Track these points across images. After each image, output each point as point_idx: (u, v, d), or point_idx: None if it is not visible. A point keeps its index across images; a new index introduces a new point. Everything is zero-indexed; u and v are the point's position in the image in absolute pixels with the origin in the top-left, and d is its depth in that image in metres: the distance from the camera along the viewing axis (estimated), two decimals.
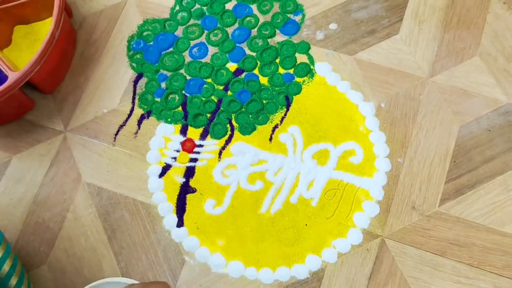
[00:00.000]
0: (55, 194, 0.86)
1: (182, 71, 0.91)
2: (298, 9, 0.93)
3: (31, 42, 0.90)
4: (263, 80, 0.89)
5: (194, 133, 0.87)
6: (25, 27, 0.92)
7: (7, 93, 0.82)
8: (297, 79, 0.89)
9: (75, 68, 0.93)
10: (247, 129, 0.86)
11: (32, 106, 0.91)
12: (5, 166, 0.88)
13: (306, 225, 0.81)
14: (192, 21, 0.94)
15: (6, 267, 0.72)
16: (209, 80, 0.90)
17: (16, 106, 0.88)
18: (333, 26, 0.92)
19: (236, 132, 0.86)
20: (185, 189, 0.84)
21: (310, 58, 0.90)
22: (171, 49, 0.93)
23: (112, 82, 0.92)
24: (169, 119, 0.88)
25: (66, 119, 0.90)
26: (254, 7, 0.94)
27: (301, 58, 0.90)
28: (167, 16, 0.95)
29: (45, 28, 0.91)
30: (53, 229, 0.84)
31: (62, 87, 0.92)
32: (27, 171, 0.88)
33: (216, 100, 0.88)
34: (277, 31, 0.92)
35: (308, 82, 0.88)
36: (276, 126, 0.86)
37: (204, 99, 0.89)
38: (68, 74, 0.93)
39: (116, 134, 0.88)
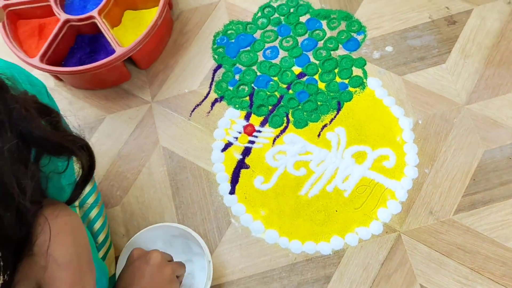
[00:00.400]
0: (135, 151, 1.05)
1: (254, 67, 1.08)
2: (361, 30, 1.08)
3: (136, 25, 1.10)
4: (321, 85, 1.04)
5: (255, 120, 1.04)
6: (133, 12, 1.12)
7: (112, 63, 1.01)
8: (350, 89, 1.04)
9: (168, 51, 1.12)
10: (300, 124, 1.02)
11: (129, 78, 1.10)
12: (99, 122, 1.08)
13: (336, 211, 0.95)
14: (269, 27, 1.11)
15: (91, 200, 0.91)
16: (275, 78, 1.06)
17: (116, 76, 1.08)
18: (389, 48, 1.06)
19: (290, 125, 1.02)
20: (241, 165, 1.01)
21: (364, 72, 1.04)
22: (248, 48, 1.10)
23: (196, 68, 1.10)
24: (237, 106, 1.05)
25: (154, 92, 1.09)
26: (324, 23, 1.10)
27: (356, 71, 1.05)
28: (249, 20, 1.12)
29: (149, 15, 1.10)
30: (129, 179, 1.03)
31: (155, 65, 1.11)
32: (116, 129, 1.07)
33: (278, 96, 1.05)
34: (340, 45, 1.07)
35: (359, 93, 1.03)
36: (325, 125, 1.01)
37: (268, 93, 1.05)
38: (162, 55, 1.12)
39: (192, 111, 1.06)
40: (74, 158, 0.72)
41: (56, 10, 1.06)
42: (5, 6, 1.08)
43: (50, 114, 0.65)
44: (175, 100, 1.08)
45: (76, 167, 0.79)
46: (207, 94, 1.07)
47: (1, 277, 0.59)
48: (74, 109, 1.09)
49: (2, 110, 0.53)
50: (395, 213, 0.94)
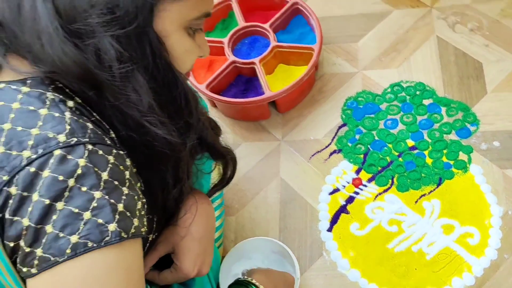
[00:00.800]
0: (258, 176, 1.26)
1: (374, 132, 1.25)
2: (475, 122, 1.23)
3: (285, 77, 1.33)
4: (428, 161, 1.20)
5: (364, 175, 1.21)
6: (285, 66, 1.35)
7: (259, 102, 1.24)
8: (454, 169, 1.18)
9: (305, 103, 1.34)
10: (402, 188, 1.17)
11: (268, 117, 1.33)
12: (236, 146, 1.31)
13: (415, 269, 1.09)
14: (395, 102, 1.29)
15: (217, 202, 1.12)
16: (390, 145, 1.23)
17: (259, 113, 1.31)
18: (496, 143, 1.19)
19: (393, 187, 1.18)
20: (342, 209, 1.18)
21: (469, 159, 1.18)
22: (372, 115, 1.28)
23: (324, 122, 1.30)
24: (351, 160, 1.23)
25: (285, 133, 1.30)
26: (443, 109, 1.26)
27: (462, 156, 1.19)
28: (379, 92, 1.31)
29: (298, 71, 1.32)
30: (248, 197, 1.23)
31: (291, 112, 1.33)
32: (248, 155, 1.29)
33: (389, 160, 1.21)
34: (453, 131, 1.22)
35: (461, 175, 1.17)
36: (424, 195, 1.16)
37: (381, 156, 1.22)
38: (299, 105, 1.34)
39: (312, 155, 1.26)
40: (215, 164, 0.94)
41: (227, 52, 1.32)
42: None
43: (215, 128, 0.87)
44: (300, 143, 1.28)
45: (214, 173, 1.01)
46: (328, 145, 1.26)
47: (152, 235, 0.80)
48: None
49: (194, 116, 0.74)
50: (468, 285, 1.05)
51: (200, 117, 0.76)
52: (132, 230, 0.60)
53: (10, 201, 0.56)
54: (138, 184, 0.66)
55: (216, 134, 0.86)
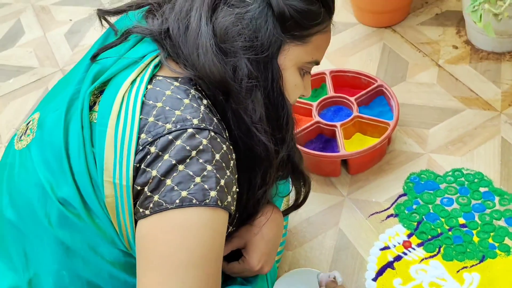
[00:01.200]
0: (319, 222, 1.42)
1: (430, 206, 1.40)
2: None
3: (359, 144, 1.51)
4: (475, 239, 1.32)
5: (414, 240, 1.34)
6: (361, 135, 1.54)
7: (335, 158, 1.43)
8: (497, 251, 1.29)
9: (373, 170, 1.51)
10: (447, 257, 1.29)
11: (338, 175, 1.51)
12: None
13: None
14: (453, 185, 1.44)
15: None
16: (442, 219, 1.37)
17: (332, 169, 1.49)
18: None
19: (439, 255, 1.30)
20: (389, 265, 1.31)
21: None
22: (431, 191, 1.43)
23: (387, 189, 1.46)
24: (405, 225, 1.37)
25: (350, 191, 1.47)
26: (497, 198, 1.39)
27: (508, 241, 1.30)
28: (441, 174, 1.47)
29: (372, 141, 1.51)
30: (306, 237, 1.39)
31: (360, 175, 1.51)
32: (314, 202, 1.46)
33: (439, 232, 1.34)
34: (503, 218, 1.35)
35: (503, 256, 1.28)
36: (466, 267, 1.27)
37: (433, 227, 1.36)
38: (367, 171, 1.51)
39: (371, 215, 1.41)
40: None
41: (314, 113, 1.54)
42: None
43: (300, 156, 1.04)
44: (362, 202, 1.44)
45: (284, 202, 1.19)
46: (387, 208, 1.42)
47: (230, 227, 0.98)
48: None
49: (289, 134, 0.92)
50: None
51: (293, 137, 0.95)
52: (225, 203, 0.78)
53: (148, 157, 0.76)
54: (236, 176, 0.85)
55: (300, 157, 1.03)
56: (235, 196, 0.82)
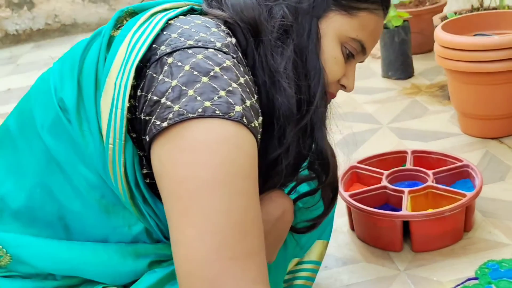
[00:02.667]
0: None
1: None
2: None
3: (428, 204, 1.28)
4: None
5: None
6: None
7: (394, 217, 1.23)
8: None
9: (444, 251, 1.25)
10: None
11: (399, 249, 1.27)
12: (355, 261, 1.26)
13: None
14: None
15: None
16: None
17: (390, 239, 1.27)
18: None
19: None
20: None
21: None
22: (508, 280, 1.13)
23: (455, 271, 1.19)
24: None
25: (409, 266, 1.22)
26: None
27: None
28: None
29: None
30: None
31: (424, 253, 1.25)
32: (362, 271, 1.23)
33: None
34: None
35: None
36: None
37: None
38: (437, 251, 1.25)
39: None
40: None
41: (383, 179, 1.37)
42: (353, 167, 1.46)
43: (333, 154, 0.92)
44: (421, 279, 1.18)
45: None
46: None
47: None
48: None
49: (316, 100, 0.82)
50: None
51: (320, 108, 0.83)
52: (253, 125, 0.69)
53: (165, 67, 0.70)
54: (260, 118, 0.74)
55: (332, 155, 0.90)
56: (260, 129, 0.73)
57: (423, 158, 1.48)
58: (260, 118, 0.73)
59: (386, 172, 1.40)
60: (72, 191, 0.77)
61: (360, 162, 1.48)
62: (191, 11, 0.84)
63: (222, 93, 0.67)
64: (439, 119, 1.94)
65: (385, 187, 1.35)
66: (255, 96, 0.74)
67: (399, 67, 2.35)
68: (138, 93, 0.73)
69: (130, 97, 0.72)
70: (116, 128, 0.72)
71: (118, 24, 0.83)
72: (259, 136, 0.72)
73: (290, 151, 0.83)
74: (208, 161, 0.65)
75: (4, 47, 4.32)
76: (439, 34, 1.69)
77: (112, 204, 0.78)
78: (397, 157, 1.50)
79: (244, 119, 0.67)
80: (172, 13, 0.79)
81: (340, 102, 2.15)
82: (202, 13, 0.84)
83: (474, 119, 1.74)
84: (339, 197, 1.33)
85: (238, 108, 0.67)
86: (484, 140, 1.74)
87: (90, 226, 0.80)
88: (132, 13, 0.84)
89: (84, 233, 0.80)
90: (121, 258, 0.80)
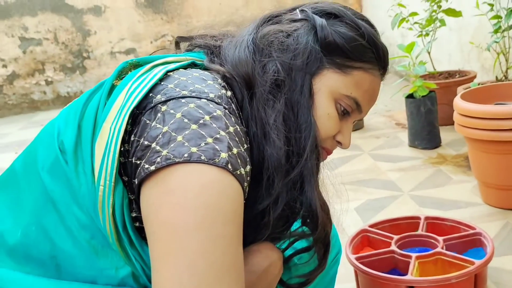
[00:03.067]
0: None
1: None
2: None
3: (436, 271, 1.24)
4: None
5: None
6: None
7: (398, 282, 1.20)
8: None
9: None
10: None
11: None
12: None
13: None
14: None
15: None
16: None
17: None
18: None
19: None
20: None
21: None
22: None
23: None
24: None
25: None
26: None
27: None
28: None
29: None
30: None
31: None
32: None
33: None
34: None
35: None
36: None
37: None
38: None
39: None
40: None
41: (393, 245, 1.35)
42: (364, 231, 1.45)
43: (327, 211, 0.92)
44: None
45: None
46: None
47: None
48: None
49: (306, 154, 0.83)
50: None
51: (310, 161, 0.84)
52: (238, 172, 0.71)
53: (159, 114, 0.75)
54: (248, 167, 0.76)
55: (323, 210, 0.90)
56: (248, 177, 0.75)
57: (436, 225, 1.45)
58: (248, 167, 0.75)
59: (396, 237, 1.38)
60: (65, 231, 0.80)
61: (371, 226, 1.47)
62: (193, 65, 0.89)
63: (209, 140, 0.70)
64: (461, 188, 1.91)
65: (393, 252, 1.33)
66: (245, 146, 0.77)
67: (425, 136, 2.35)
68: (132, 138, 0.77)
69: (124, 141, 0.76)
70: (108, 169, 0.76)
71: (122, 74, 0.88)
72: (245, 184, 0.74)
73: (279, 202, 0.84)
74: (189, 204, 0.67)
75: (55, 107, 4.58)
76: (458, 103, 1.70)
77: (101, 246, 0.80)
78: (410, 223, 1.48)
79: (229, 166, 0.70)
80: (172, 66, 0.84)
81: (363, 169, 2.20)
82: (203, 68, 0.89)
83: (494, 188, 1.71)
84: (347, 261, 1.33)
85: (223, 155, 0.70)
86: (505, 211, 1.70)
87: (80, 267, 0.81)
88: (136, 65, 0.90)
89: (74, 274, 0.82)
90: None
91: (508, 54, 2.07)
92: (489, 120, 1.58)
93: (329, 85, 0.85)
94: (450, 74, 2.74)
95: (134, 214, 0.78)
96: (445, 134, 2.46)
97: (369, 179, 2.13)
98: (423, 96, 2.30)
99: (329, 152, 0.92)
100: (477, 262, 1.21)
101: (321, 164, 0.90)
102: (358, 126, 2.79)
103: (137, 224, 0.79)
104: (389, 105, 3.24)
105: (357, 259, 1.31)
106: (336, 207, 0.92)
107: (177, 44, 1.02)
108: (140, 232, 0.78)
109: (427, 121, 2.33)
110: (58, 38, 4.78)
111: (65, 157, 0.80)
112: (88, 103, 0.84)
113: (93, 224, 0.78)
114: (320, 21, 0.87)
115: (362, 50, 0.86)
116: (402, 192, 1.96)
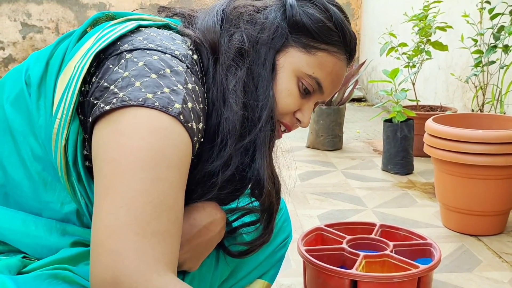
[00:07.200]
0: None
1: None
2: None
3: (382, 272, 1.27)
4: None
5: None
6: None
7: (342, 275, 1.22)
8: None
9: None
10: None
11: None
12: None
13: None
14: None
15: None
16: None
17: None
18: None
19: None
20: None
21: None
22: None
23: None
24: None
25: None
26: None
27: None
28: None
29: None
30: None
31: None
32: None
33: None
34: None
35: None
36: None
37: None
38: None
39: None
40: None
41: (344, 245, 1.37)
42: (319, 229, 1.47)
43: (278, 184, 0.94)
44: None
45: None
46: None
47: None
48: None
49: (262, 123, 0.86)
50: None
51: (265, 131, 0.87)
52: (189, 125, 0.75)
53: (122, 61, 0.78)
54: (201, 124, 0.80)
55: (272, 181, 0.91)
56: (199, 134, 0.79)
57: (390, 233, 1.48)
58: (201, 125, 0.78)
59: (348, 237, 1.40)
60: (19, 161, 0.82)
61: (327, 226, 1.49)
62: (166, 27, 0.92)
63: (166, 90, 0.74)
64: (424, 211, 1.94)
65: (343, 249, 1.35)
66: (201, 105, 0.80)
67: (399, 162, 2.39)
68: (93, 79, 0.80)
69: (86, 82, 0.79)
70: (66, 104, 0.78)
71: (97, 23, 0.91)
72: (195, 138, 0.77)
73: (231, 165, 0.86)
74: (136, 145, 0.70)
75: None
76: (429, 124, 1.74)
77: (51, 178, 0.82)
78: (365, 228, 1.50)
79: (181, 117, 0.72)
80: (146, 23, 0.88)
81: (333, 183, 2.22)
82: (176, 32, 0.92)
83: (455, 212, 1.74)
84: (298, 253, 1.35)
85: (177, 106, 0.73)
86: (462, 235, 1.73)
87: (27, 198, 0.83)
88: (112, 18, 0.92)
89: (21, 204, 0.84)
90: (47, 232, 0.82)
91: (485, 89, 2.13)
92: (454, 142, 1.62)
93: (292, 63, 0.88)
94: (432, 108, 2.80)
95: (85, 152, 0.81)
96: (418, 164, 2.50)
97: (337, 193, 2.16)
98: (401, 122, 2.34)
99: (288, 129, 0.94)
100: (422, 266, 1.24)
101: (277, 141, 0.94)
102: (336, 146, 2.83)
103: (88, 163, 0.81)
104: (371, 134, 3.29)
105: (307, 251, 1.32)
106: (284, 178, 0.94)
107: (159, 14, 1.06)
108: (90, 172, 0.80)
109: (402, 146, 2.37)
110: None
111: (29, 90, 0.82)
112: (59, 45, 0.87)
113: (46, 156, 0.80)
114: (290, 0, 0.90)
115: (328, 32, 0.89)
116: (366, 207, 1.99)
